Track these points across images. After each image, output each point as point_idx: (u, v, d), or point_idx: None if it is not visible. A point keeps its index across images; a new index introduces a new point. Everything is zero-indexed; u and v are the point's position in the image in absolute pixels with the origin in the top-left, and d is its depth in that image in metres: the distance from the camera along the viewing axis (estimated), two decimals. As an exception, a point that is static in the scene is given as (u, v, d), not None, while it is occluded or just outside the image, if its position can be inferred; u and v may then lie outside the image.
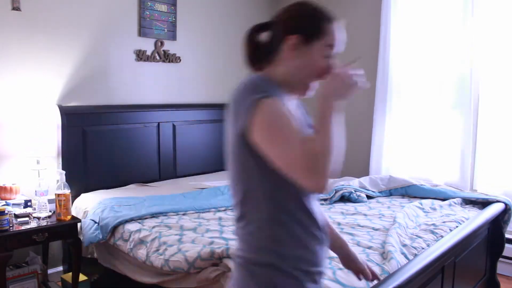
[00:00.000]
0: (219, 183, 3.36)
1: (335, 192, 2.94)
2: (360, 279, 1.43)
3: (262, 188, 1.09)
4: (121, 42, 3.40)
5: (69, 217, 2.59)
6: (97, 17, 3.24)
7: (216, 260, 1.91)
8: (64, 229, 2.56)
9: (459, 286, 2.19)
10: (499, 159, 3.25)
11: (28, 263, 2.80)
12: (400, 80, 3.70)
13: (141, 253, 2.20)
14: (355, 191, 2.96)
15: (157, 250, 2.14)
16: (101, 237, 2.48)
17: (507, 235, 2.74)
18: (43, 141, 2.82)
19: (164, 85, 3.73)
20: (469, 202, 2.83)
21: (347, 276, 1.68)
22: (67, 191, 2.56)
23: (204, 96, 4.07)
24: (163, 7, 3.62)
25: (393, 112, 3.73)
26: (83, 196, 3.02)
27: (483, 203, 2.79)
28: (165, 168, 3.64)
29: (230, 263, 1.84)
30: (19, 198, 2.73)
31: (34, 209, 2.66)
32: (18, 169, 2.88)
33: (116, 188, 3.20)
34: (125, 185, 3.31)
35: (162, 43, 3.65)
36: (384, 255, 1.91)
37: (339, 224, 2.38)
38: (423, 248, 2.05)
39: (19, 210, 2.61)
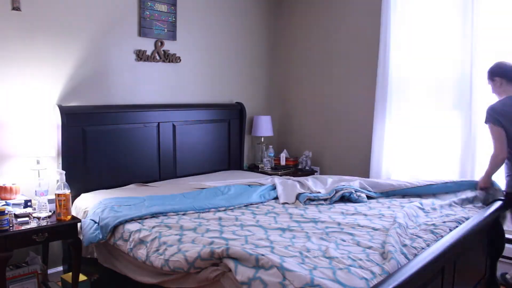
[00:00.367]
0: (219, 183, 3.36)
1: (335, 192, 2.93)
2: None
3: None
4: (121, 42, 3.40)
5: (69, 217, 2.59)
6: (97, 17, 3.24)
7: (216, 260, 1.91)
8: (64, 229, 2.56)
9: (459, 286, 2.19)
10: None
11: (28, 263, 2.80)
12: (400, 80, 3.70)
13: (141, 253, 2.20)
14: (355, 191, 2.96)
15: (157, 250, 2.13)
16: (101, 237, 2.48)
17: (507, 235, 2.74)
18: (43, 141, 2.82)
19: (164, 85, 3.73)
20: (468, 202, 2.83)
21: (347, 276, 1.68)
22: (67, 191, 2.56)
23: (204, 96, 4.07)
24: (163, 7, 3.62)
25: (393, 112, 3.73)
26: (83, 196, 3.02)
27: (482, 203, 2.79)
28: (165, 168, 3.64)
29: (230, 263, 1.84)
30: (19, 198, 2.73)
31: (34, 209, 2.66)
32: (18, 169, 2.88)
33: (116, 188, 3.21)
34: (125, 185, 3.32)
35: (162, 43, 3.65)
36: (384, 255, 1.91)
37: (339, 224, 2.38)
38: (423, 248, 2.05)
39: (19, 210, 2.61)
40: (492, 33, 3.21)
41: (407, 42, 3.64)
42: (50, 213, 2.62)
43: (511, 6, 3.14)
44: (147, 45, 3.58)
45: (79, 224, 2.66)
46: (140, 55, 3.51)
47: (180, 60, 3.81)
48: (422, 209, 2.68)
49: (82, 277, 2.76)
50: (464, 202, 2.82)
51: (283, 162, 4.36)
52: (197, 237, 2.14)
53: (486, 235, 2.56)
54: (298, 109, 4.60)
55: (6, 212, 2.36)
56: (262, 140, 4.45)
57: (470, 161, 3.36)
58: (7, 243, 2.34)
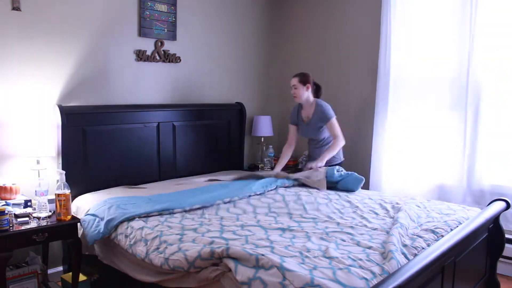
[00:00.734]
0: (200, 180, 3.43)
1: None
2: None
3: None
4: (121, 42, 3.40)
5: (69, 217, 2.59)
6: (97, 17, 3.24)
7: (216, 260, 1.91)
8: (64, 229, 2.56)
9: (459, 286, 2.19)
10: (497, 158, 3.26)
11: (28, 263, 2.80)
12: (400, 80, 3.70)
13: (141, 250, 2.20)
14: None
15: (157, 248, 2.14)
16: (105, 231, 2.45)
17: (507, 235, 2.74)
18: (43, 141, 2.82)
19: (164, 85, 3.74)
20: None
21: (347, 276, 1.68)
22: (67, 191, 2.56)
23: (204, 96, 4.07)
24: (163, 7, 3.62)
25: (394, 112, 3.74)
26: (83, 196, 3.02)
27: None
28: (165, 168, 3.64)
29: (230, 263, 1.84)
30: (19, 198, 2.73)
31: (34, 209, 2.66)
32: (18, 169, 2.88)
33: (116, 188, 3.21)
34: (125, 185, 3.31)
35: (162, 43, 3.65)
36: (384, 254, 1.91)
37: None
38: (423, 248, 2.05)
39: (19, 210, 2.61)
40: (492, 31, 3.21)
41: (407, 42, 3.64)
42: (50, 213, 2.63)
43: (510, 7, 3.14)
44: (147, 45, 3.58)
45: (79, 224, 2.66)
46: (140, 55, 3.51)
47: (180, 60, 3.81)
48: (425, 208, 2.69)
49: (82, 277, 2.77)
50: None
51: (283, 162, 4.35)
52: (197, 237, 2.14)
53: (486, 235, 2.56)
54: (298, 109, 4.59)
55: (6, 212, 2.36)
56: (262, 140, 4.45)
57: (470, 161, 3.36)
58: (7, 243, 2.35)
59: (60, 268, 3.16)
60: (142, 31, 3.51)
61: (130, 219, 2.45)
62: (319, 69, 4.39)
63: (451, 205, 2.78)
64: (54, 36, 3.02)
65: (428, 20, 3.52)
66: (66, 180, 2.61)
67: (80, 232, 2.74)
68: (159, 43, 3.63)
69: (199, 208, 2.68)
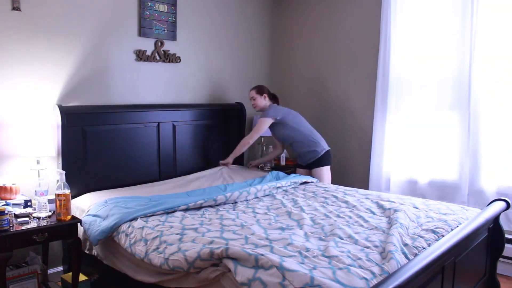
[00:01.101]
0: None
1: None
2: None
3: None
4: (121, 42, 3.40)
5: (69, 217, 2.59)
6: (97, 17, 3.24)
7: (216, 260, 1.91)
8: (64, 229, 2.56)
9: (459, 286, 2.19)
10: (497, 158, 3.26)
11: (28, 263, 2.80)
12: (400, 80, 3.71)
13: (140, 250, 2.20)
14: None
15: (157, 248, 2.14)
16: (107, 230, 2.44)
17: (507, 235, 2.74)
18: (43, 141, 2.82)
19: (164, 85, 3.74)
20: None
21: (347, 276, 1.68)
22: (67, 191, 2.56)
23: (204, 96, 4.07)
24: (163, 7, 3.63)
25: (394, 111, 3.74)
26: (83, 196, 3.02)
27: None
28: (165, 168, 3.64)
29: (230, 264, 1.84)
30: (19, 198, 2.73)
31: (34, 209, 2.66)
32: (18, 169, 2.88)
33: (116, 188, 3.21)
34: (126, 185, 3.31)
35: (162, 43, 3.65)
36: (384, 254, 1.91)
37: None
38: (424, 248, 2.05)
39: (19, 210, 2.61)
40: (492, 31, 3.21)
41: (407, 42, 3.64)
42: (50, 213, 2.63)
43: (510, 7, 3.14)
44: (147, 45, 3.58)
45: (79, 224, 2.66)
46: (140, 55, 3.52)
47: (180, 60, 3.81)
48: (424, 209, 2.69)
49: (82, 277, 2.77)
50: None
51: (283, 162, 4.36)
52: (197, 237, 2.14)
53: (486, 235, 2.56)
54: (298, 109, 4.59)
55: (6, 212, 2.36)
56: (262, 140, 4.45)
57: (470, 161, 3.36)
58: (7, 243, 2.34)
59: (60, 268, 3.16)
60: (142, 31, 3.51)
61: (135, 218, 2.47)
62: (319, 69, 4.39)
63: (450, 205, 2.78)
64: (54, 36, 3.02)
65: (428, 20, 3.53)
66: (66, 180, 2.61)
67: (80, 232, 2.74)
68: (159, 43, 3.63)
69: (199, 208, 2.68)
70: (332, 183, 3.73)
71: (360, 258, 1.86)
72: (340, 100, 4.23)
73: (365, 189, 3.81)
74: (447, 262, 2.00)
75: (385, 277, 1.61)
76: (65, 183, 2.57)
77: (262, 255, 1.81)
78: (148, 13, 3.53)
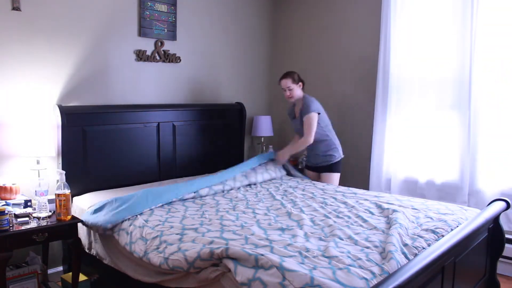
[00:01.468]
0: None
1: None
2: None
3: None
4: (121, 42, 3.40)
5: (69, 217, 2.59)
6: (97, 17, 3.24)
7: (216, 260, 1.91)
8: (64, 229, 2.56)
9: (459, 286, 2.19)
10: (497, 158, 3.26)
11: (28, 263, 2.80)
12: (400, 80, 3.71)
13: (140, 249, 2.20)
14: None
15: (157, 248, 2.14)
16: (123, 216, 2.49)
17: (507, 235, 2.74)
18: (43, 141, 2.82)
19: (164, 85, 3.74)
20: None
21: (347, 276, 1.68)
22: (67, 191, 2.56)
23: (204, 96, 4.07)
24: (163, 7, 3.63)
25: (394, 111, 3.74)
26: (83, 196, 3.02)
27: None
28: (165, 168, 3.64)
29: (230, 264, 1.84)
30: (19, 198, 2.73)
31: (34, 209, 2.66)
32: (18, 169, 2.88)
33: (116, 188, 3.21)
34: (125, 185, 3.31)
35: (162, 43, 3.65)
36: (384, 254, 1.91)
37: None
38: (424, 248, 2.05)
39: (19, 210, 2.61)
40: (492, 31, 3.21)
41: (407, 42, 3.64)
42: (50, 213, 2.63)
43: (510, 7, 3.15)
44: (147, 45, 3.58)
45: (79, 224, 2.66)
46: (140, 55, 3.52)
47: (180, 60, 3.81)
48: (420, 210, 2.69)
49: (82, 277, 2.77)
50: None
51: (283, 162, 4.35)
52: (197, 237, 2.14)
53: (486, 235, 2.56)
54: (298, 109, 4.60)
55: (6, 212, 2.36)
56: (262, 140, 4.45)
57: (470, 161, 3.36)
58: (7, 243, 2.34)
59: (60, 268, 3.16)
60: (142, 31, 3.51)
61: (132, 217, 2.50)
62: (319, 69, 4.39)
63: (449, 205, 2.78)
64: (54, 36, 3.02)
65: (428, 20, 3.53)
66: (66, 180, 2.61)
67: (80, 232, 2.75)
68: (159, 43, 3.63)
69: (198, 210, 2.69)
70: (332, 183, 3.73)
71: (360, 258, 1.86)
72: (340, 100, 4.23)
73: (365, 189, 3.80)
74: (447, 262, 2.00)
75: (385, 277, 1.61)
76: (65, 183, 2.57)
77: (262, 255, 1.81)
78: (148, 13, 3.53)
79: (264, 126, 4.36)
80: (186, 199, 2.93)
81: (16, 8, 2.82)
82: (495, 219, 2.62)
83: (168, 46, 3.72)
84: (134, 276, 2.29)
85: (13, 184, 2.73)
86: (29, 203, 2.70)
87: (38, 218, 2.54)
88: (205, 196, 3.03)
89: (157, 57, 3.64)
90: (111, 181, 3.26)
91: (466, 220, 2.44)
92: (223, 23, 4.17)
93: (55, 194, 2.55)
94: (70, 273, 2.71)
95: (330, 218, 2.50)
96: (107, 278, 2.77)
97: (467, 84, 3.32)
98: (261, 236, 2.16)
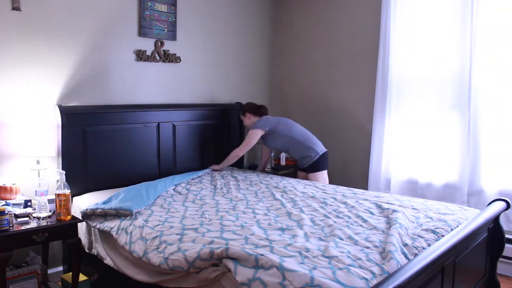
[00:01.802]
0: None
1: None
2: None
3: None
4: (121, 42, 3.40)
5: (69, 217, 2.59)
6: (97, 17, 3.24)
7: (216, 260, 1.91)
8: (64, 229, 2.57)
9: (459, 286, 2.19)
10: (497, 158, 3.26)
11: (28, 263, 2.80)
12: (400, 80, 3.71)
13: (139, 249, 2.20)
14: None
15: (157, 248, 2.14)
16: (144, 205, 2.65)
17: (507, 235, 2.74)
18: (43, 141, 2.82)
19: (164, 85, 3.74)
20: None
21: (347, 276, 1.68)
22: (67, 191, 2.56)
23: (204, 96, 4.07)
24: (163, 7, 3.63)
25: (393, 111, 3.74)
26: (83, 196, 3.03)
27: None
28: (165, 168, 3.64)
29: (230, 264, 1.84)
30: (19, 198, 2.73)
31: (34, 209, 2.66)
32: (18, 169, 2.88)
33: (116, 188, 3.20)
34: (125, 185, 3.31)
35: (162, 43, 3.65)
36: (384, 254, 1.91)
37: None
38: (424, 248, 2.05)
39: (19, 210, 2.61)
40: (492, 31, 3.21)
41: (407, 42, 3.64)
42: (50, 213, 2.63)
43: (510, 7, 3.15)
44: (147, 45, 3.58)
45: (79, 224, 2.66)
46: (140, 55, 3.52)
47: (180, 60, 3.81)
48: (420, 210, 2.69)
49: (82, 277, 2.77)
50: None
51: (283, 162, 4.36)
52: (197, 237, 2.14)
53: (486, 235, 2.56)
54: (298, 109, 4.60)
55: (6, 212, 2.36)
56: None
57: (470, 161, 3.36)
58: (7, 243, 2.35)
59: (60, 268, 3.16)
60: (142, 31, 3.51)
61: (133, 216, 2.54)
62: (319, 69, 4.39)
63: (449, 205, 2.78)
64: (54, 36, 3.02)
65: (428, 20, 3.53)
66: (66, 180, 2.61)
67: (80, 232, 2.75)
68: (159, 43, 3.63)
69: (198, 211, 2.69)
70: (332, 183, 3.73)
71: (360, 258, 1.86)
72: (340, 100, 4.23)
73: (364, 189, 3.81)
74: (447, 262, 2.00)
75: (385, 277, 1.61)
76: (65, 183, 2.57)
77: (262, 255, 1.81)
78: (148, 13, 3.53)
79: (264, 126, 4.36)
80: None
81: (16, 8, 2.82)
82: (495, 219, 2.62)
83: (168, 46, 3.72)
84: (134, 276, 2.29)
85: (13, 184, 2.73)
86: (29, 203, 2.70)
87: (38, 218, 2.55)
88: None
89: (157, 57, 3.64)
90: (111, 181, 3.26)
91: (466, 220, 2.44)
92: (223, 23, 4.17)
93: (55, 194, 2.55)
94: (70, 273, 2.71)
95: (330, 218, 2.50)
96: (107, 278, 2.77)
97: (467, 84, 3.32)
98: (261, 236, 2.16)
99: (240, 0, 4.31)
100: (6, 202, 2.64)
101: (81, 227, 2.82)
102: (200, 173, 3.64)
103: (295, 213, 2.58)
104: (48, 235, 2.48)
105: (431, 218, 2.49)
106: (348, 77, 4.16)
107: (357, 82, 4.11)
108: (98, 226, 2.57)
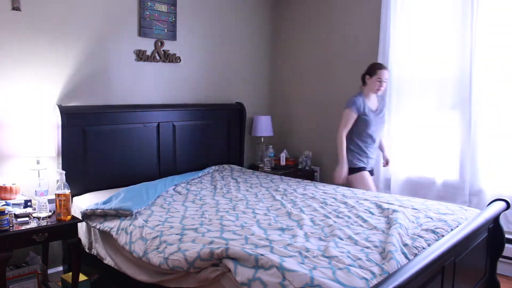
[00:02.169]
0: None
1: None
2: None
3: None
4: (121, 42, 3.40)
5: (69, 217, 2.59)
6: (97, 17, 3.25)
7: (216, 260, 1.91)
8: (64, 229, 2.57)
9: (459, 286, 2.19)
10: (497, 158, 3.26)
11: (28, 263, 2.80)
12: (400, 80, 3.71)
13: (139, 249, 2.20)
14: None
15: (157, 248, 2.14)
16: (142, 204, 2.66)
17: (507, 235, 2.74)
18: (43, 141, 2.82)
19: (164, 85, 3.74)
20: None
21: (347, 276, 1.68)
22: (67, 191, 2.56)
23: (204, 96, 4.07)
24: (163, 7, 3.63)
25: (393, 111, 3.74)
26: (83, 196, 3.02)
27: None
28: (165, 168, 3.64)
29: (230, 264, 1.84)
30: (19, 198, 2.74)
31: (34, 209, 2.66)
32: (18, 169, 2.88)
33: (116, 188, 3.21)
34: (125, 185, 3.31)
35: (162, 43, 3.65)
36: (384, 254, 1.91)
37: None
38: (424, 248, 2.05)
39: (19, 210, 2.61)
40: (492, 31, 3.21)
41: (407, 42, 3.64)
42: (50, 213, 2.63)
43: (511, 6, 3.15)
44: (147, 45, 3.58)
45: (79, 224, 2.66)
46: (140, 55, 3.52)
47: (180, 60, 3.81)
48: (420, 210, 2.69)
49: (82, 277, 2.77)
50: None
51: (283, 162, 4.36)
52: (197, 237, 2.14)
53: (486, 235, 2.56)
54: (298, 109, 4.60)
55: (6, 212, 2.36)
56: (262, 140, 4.45)
57: (470, 161, 3.36)
58: (7, 243, 2.35)
59: (60, 268, 3.16)
60: (142, 31, 3.51)
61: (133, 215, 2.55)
62: (319, 69, 4.39)
63: (449, 205, 2.78)
64: (54, 36, 3.02)
65: (428, 20, 3.53)
66: (66, 180, 2.61)
67: (80, 232, 2.75)
68: (159, 43, 3.63)
69: (198, 211, 2.69)
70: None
71: (360, 258, 1.86)
72: (340, 100, 4.22)
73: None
74: (447, 262, 2.00)
75: (385, 277, 1.61)
76: (65, 183, 2.57)
77: (262, 255, 1.81)
78: (148, 13, 3.53)
79: (264, 126, 4.36)
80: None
81: (16, 8, 2.82)
82: (495, 219, 2.62)
83: (168, 46, 3.72)
84: (135, 276, 2.29)
85: (13, 184, 2.73)
86: (29, 203, 2.70)
87: (38, 218, 2.55)
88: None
89: (157, 57, 3.64)
90: (111, 181, 3.26)
91: (466, 220, 2.44)
92: (223, 23, 4.17)
93: (55, 194, 2.55)
94: (70, 273, 2.71)
95: (330, 218, 2.50)
96: (107, 278, 2.77)
97: (467, 84, 3.32)
98: (261, 236, 2.16)
99: (240, 0, 4.31)
100: (6, 202, 2.64)
101: (81, 227, 2.82)
102: (200, 173, 3.64)
103: (295, 213, 2.58)
104: (48, 235, 2.48)
105: (431, 218, 2.49)
106: (349, 77, 4.16)
107: (357, 82, 4.10)
108: (98, 226, 2.57)
